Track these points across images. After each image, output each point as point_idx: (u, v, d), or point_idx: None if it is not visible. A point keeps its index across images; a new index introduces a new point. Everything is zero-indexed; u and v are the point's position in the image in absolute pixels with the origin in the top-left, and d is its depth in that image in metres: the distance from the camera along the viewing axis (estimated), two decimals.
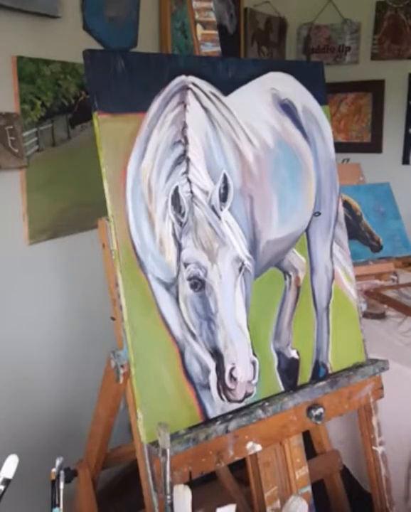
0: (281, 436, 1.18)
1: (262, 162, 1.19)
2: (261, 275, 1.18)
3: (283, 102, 1.24)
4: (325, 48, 2.77)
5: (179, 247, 1.07)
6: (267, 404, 1.15)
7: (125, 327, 1.01)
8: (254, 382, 1.14)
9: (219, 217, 1.11)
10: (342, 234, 1.34)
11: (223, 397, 1.10)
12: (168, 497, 0.90)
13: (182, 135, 1.07)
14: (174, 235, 1.06)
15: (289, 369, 1.20)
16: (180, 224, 1.07)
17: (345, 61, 2.73)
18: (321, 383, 1.23)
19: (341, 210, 1.34)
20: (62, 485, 0.92)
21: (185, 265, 1.07)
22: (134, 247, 1.02)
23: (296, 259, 1.25)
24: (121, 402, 1.14)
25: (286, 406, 1.16)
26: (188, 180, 1.08)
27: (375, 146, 2.73)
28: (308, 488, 1.22)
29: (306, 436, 1.31)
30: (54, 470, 0.92)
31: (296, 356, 1.22)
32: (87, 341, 1.78)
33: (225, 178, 1.12)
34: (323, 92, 1.31)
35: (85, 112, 1.64)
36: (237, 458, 1.11)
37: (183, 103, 1.08)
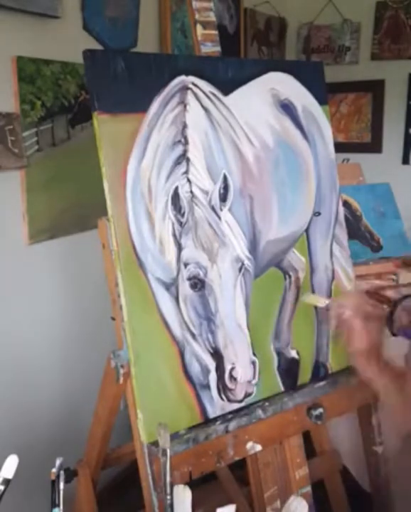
0: (281, 437, 1.18)
1: (262, 162, 1.19)
2: (261, 275, 1.18)
3: (283, 102, 1.24)
4: (325, 48, 2.76)
5: (179, 247, 1.07)
6: (267, 404, 1.15)
7: (125, 327, 1.01)
8: (254, 382, 1.14)
9: (219, 217, 1.11)
10: (342, 234, 1.34)
11: (223, 397, 1.10)
12: (168, 497, 0.90)
13: (182, 135, 1.07)
14: (174, 235, 1.06)
15: (289, 369, 1.20)
16: (180, 224, 1.07)
17: (345, 61, 2.72)
18: (321, 383, 1.23)
19: (341, 210, 1.34)
20: (62, 485, 0.92)
21: (185, 265, 1.07)
22: (134, 247, 1.02)
23: (296, 259, 1.25)
24: (121, 402, 1.14)
25: (286, 406, 1.16)
26: (188, 180, 1.08)
27: (375, 146, 2.73)
28: (308, 488, 1.22)
29: (306, 436, 1.31)
30: (54, 470, 0.92)
31: (296, 356, 1.22)
32: (87, 341, 1.78)
33: (225, 178, 1.12)
34: (323, 92, 1.31)
35: (85, 112, 1.64)
36: (237, 458, 1.11)
37: (183, 103, 1.08)
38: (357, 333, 0.96)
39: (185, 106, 1.08)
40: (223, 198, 1.11)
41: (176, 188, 1.06)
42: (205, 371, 1.09)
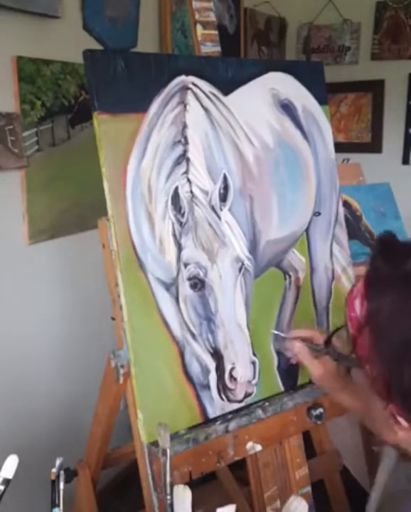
0: (281, 436, 1.18)
1: (262, 162, 1.19)
2: (261, 275, 1.18)
3: (283, 102, 1.24)
4: (325, 48, 2.76)
5: (179, 247, 1.07)
6: (267, 404, 1.15)
7: (125, 327, 1.01)
8: (254, 382, 1.14)
9: (219, 217, 1.11)
10: (342, 234, 1.34)
11: (223, 397, 1.10)
12: (168, 497, 0.90)
13: (182, 135, 1.07)
14: (174, 235, 1.06)
15: (289, 369, 1.20)
16: (180, 224, 1.07)
17: (345, 61, 2.72)
18: None
19: (341, 210, 1.34)
20: (62, 485, 0.92)
21: (185, 265, 1.07)
22: (134, 247, 1.02)
23: (296, 259, 1.25)
24: (121, 402, 1.14)
25: (286, 406, 1.16)
26: (188, 180, 1.08)
27: (375, 146, 2.73)
28: (308, 488, 1.22)
29: (306, 436, 1.31)
30: (54, 470, 0.92)
31: None
32: (87, 341, 1.78)
33: (225, 178, 1.12)
34: (323, 92, 1.31)
35: (85, 112, 1.64)
36: (237, 458, 1.11)
37: (183, 103, 1.08)
38: (308, 364, 1.00)
39: (185, 106, 1.08)
40: (223, 198, 1.11)
41: (176, 188, 1.06)
42: (205, 371, 1.09)
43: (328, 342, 0.95)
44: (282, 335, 1.09)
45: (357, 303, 0.78)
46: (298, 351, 1.01)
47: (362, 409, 0.94)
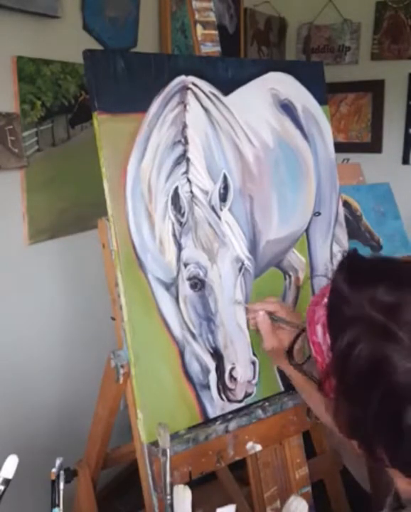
0: (281, 436, 1.18)
1: (262, 162, 1.19)
2: (261, 275, 1.18)
3: (283, 102, 1.24)
4: (325, 48, 2.77)
5: (179, 247, 1.07)
6: (267, 404, 1.15)
7: (125, 327, 1.01)
8: (254, 382, 1.14)
9: (219, 217, 1.11)
10: (342, 234, 1.34)
11: (223, 397, 1.10)
12: (168, 497, 0.90)
13: (182, 135, 1.07)
14: (174, 235, 1.06)
15: None
16: (180, 224, 1.07)
17: (345, 61, 2.72)
18: None
19: (341, 210, 1.34)
20: (62, 485, 0.92)
21: (185, 265, 1.07)
22: (134, 247, 1.02)
23: (296, 259, 1.25)
24: (121, 402, 1.14)
25: (286, 406, 1.16)
26: (188, 180, 1.08)
27: (375, 146, 2.73)
28: (308, 488, 1.22)
29: (306, 436, 1.31)
30: (54, 470, 0.92)
31: None
32: (87, 341, 1.78)
33: (224, 178, 1.12)
34: (323, 92, 1.31)
35: (85, 112, 1.64)
36: (237, 458, 1.11)
37: (183, 103, 1.08)
38: (265, 335, 1.03)
39: (185, 106, 1.08)
40: (223, 198, 1.11)
41: (176, 188, 1.06)
42: (205, 371, 1.09)
43: (290, 353, 0.93)
44: (244, 305, 1.11)
45: (319, 330, 0.75)
46: (260, 320, 1.04)
47: (302, 385, 1.01)
